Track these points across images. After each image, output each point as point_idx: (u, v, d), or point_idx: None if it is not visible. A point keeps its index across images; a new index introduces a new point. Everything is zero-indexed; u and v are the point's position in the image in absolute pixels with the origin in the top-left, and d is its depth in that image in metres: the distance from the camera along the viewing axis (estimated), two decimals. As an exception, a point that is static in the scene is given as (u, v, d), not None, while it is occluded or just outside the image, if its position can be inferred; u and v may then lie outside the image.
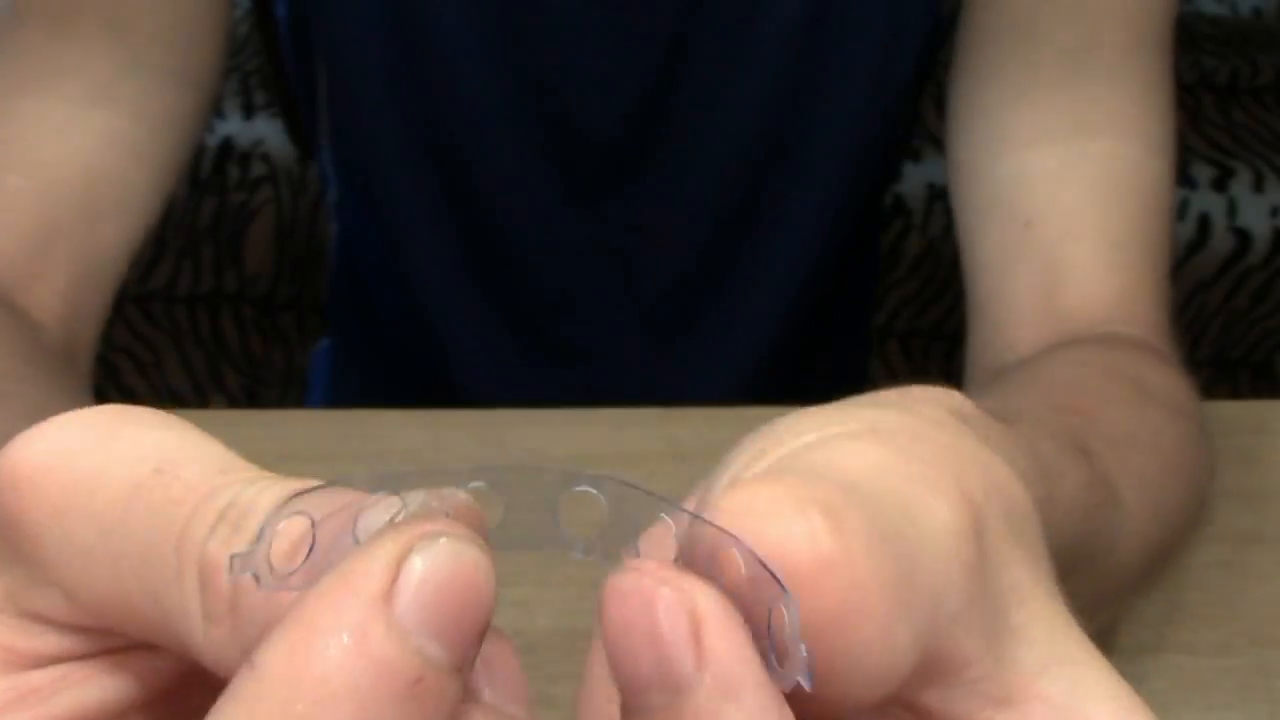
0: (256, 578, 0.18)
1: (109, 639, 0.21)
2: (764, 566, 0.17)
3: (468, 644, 0.17)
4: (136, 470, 0.19)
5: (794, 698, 0.17)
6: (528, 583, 0.51)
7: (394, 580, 0.16)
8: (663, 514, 0.18)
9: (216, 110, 1.44)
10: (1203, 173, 1.49)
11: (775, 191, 0.75)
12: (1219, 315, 1.52)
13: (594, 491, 0.19)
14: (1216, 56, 1.64)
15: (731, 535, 0.17)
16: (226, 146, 1.45)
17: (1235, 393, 1.52)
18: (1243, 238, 1.48)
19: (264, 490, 0.19)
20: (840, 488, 0.18)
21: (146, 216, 0.62)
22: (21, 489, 0.19)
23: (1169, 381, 0.55)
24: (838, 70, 0.72)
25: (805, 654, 0.17)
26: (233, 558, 0.18)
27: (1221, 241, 1.48)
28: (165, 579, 0.19)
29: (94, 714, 0.21)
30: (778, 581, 0.17)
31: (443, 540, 0.17)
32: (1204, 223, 1.47)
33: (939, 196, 1.42)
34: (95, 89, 0.59)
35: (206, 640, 0.19)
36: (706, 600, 0.16)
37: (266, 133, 1.45)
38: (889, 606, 0.17)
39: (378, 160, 0.75)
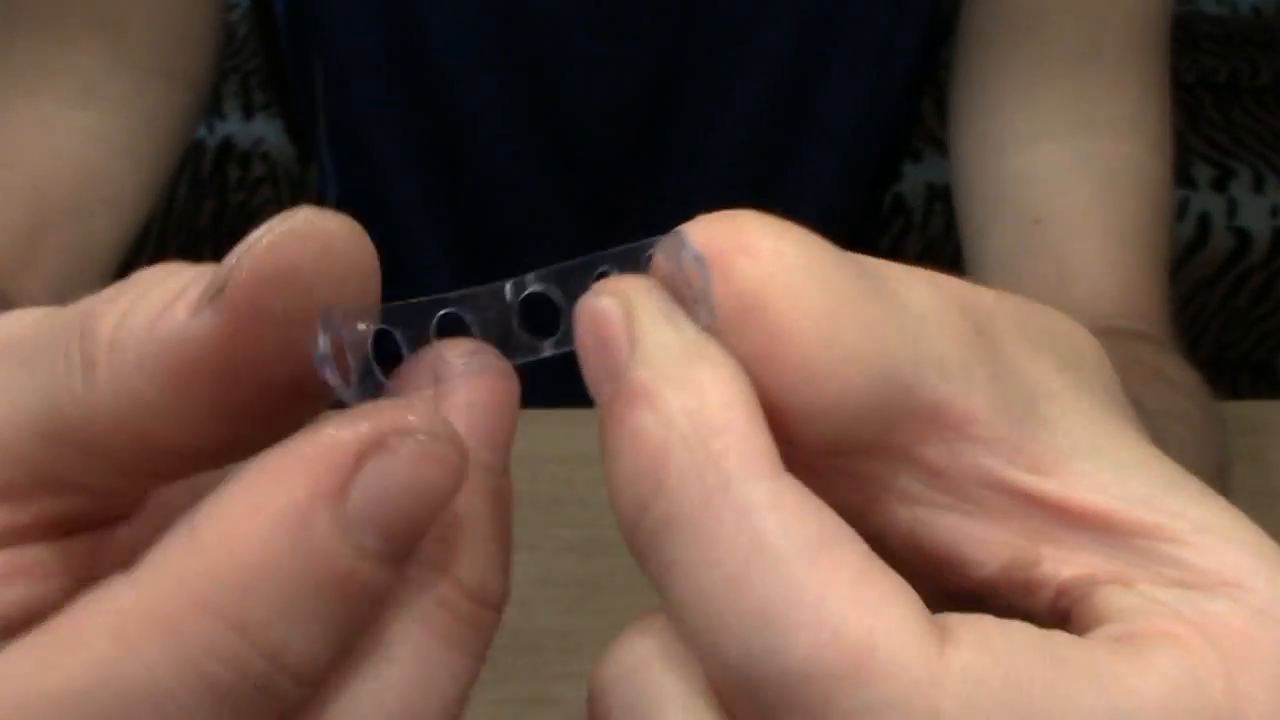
0: (336, 383, 0.18)
1: (12, 510, 0.20)
2: (675, 242, 0.18)
3: (410, 541, 0.17)
4: (44, 312, 0.20)
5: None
6: (528, 583, 0.51)
7: (352, 476, 0.16)
8: (603, 266, 0.19)
9: (217, 110, 1.45)
10: (1203, 173, 1.49)
11: (775, 195, 0.75)
12: (1219, 315, 1.52)
13: (542, 288, 0.20)
14: (1216, 56, 1.64)
15: (649, 242, 0.18)
16: (226, 146, 1.45)
17: (1235, 393, 1.52)
18: (1243, 238, 1.48)
19: (153, 269, 0.19)
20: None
21: (136, 212, 0.62)
22: None
23: (1184, 374, 0.56)
24: (836, 74, 0.72)
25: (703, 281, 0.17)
26: (319, 358, 0.18)
27: (1221, 241, 1.48)
28: (55, 357, 0.19)
29: None
30: (682, 241, 0.17)
31: (411, 442, 0.17)
32: (1204, 223, 1.47)
33: (939, 196, 1.42)
34: (84, 87, 0.59)
35: (86, 390, 0.18)
36: (635, 289, 0.18)
37: (266, 133, 1.45)
38: (827, 316, 0.17)
39: (375, 160, 0.75)
